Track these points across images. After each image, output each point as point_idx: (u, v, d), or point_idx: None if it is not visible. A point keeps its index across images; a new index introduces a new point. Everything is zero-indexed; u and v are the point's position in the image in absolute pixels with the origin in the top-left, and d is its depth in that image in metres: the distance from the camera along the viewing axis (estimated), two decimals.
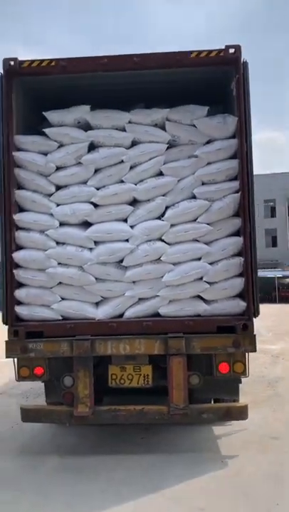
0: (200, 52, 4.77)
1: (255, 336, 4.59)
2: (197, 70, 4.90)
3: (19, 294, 4.84)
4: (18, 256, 4.83)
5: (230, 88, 4.90)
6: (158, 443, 5.04)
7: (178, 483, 3.96)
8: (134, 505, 3.60)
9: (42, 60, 4.86)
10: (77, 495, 3.82)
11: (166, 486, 3.90)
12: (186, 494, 3.76)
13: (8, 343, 4.72)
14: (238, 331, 4.56)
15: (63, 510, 3.56)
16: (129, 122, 4.96)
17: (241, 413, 4.64)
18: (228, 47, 4.71)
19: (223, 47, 4.74)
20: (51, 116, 5.00)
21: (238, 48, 4.70)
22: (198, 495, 3.73)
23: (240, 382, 5.58)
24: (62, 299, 4.86)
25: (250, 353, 4.64)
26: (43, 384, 5.26)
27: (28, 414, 4.79)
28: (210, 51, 4.76)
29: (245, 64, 4.75)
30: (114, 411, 4.67)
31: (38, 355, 4.72)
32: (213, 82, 5.03)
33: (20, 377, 4.83)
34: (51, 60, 4.85)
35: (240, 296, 4.74)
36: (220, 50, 4.73)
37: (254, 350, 4.62)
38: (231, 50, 4.70)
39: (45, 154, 4.96)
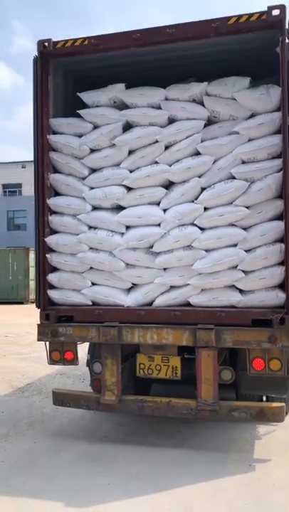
0: (239, 17, 4.32)
1: None
2: (237, 38, 4.44)
3: (52, 278, 4.84)
4: (51, 240, 4.82)
5: (275, 55, 4.38)
6: (191, 438, 4.79)
7: (191, 483, 3.70)
8: (130, 503, 3.41)
9: (75, 40, 4.74)
10: (83, 485, 3.73)
11: (178, 486, 3.67)
12: (194, 498, 3.48)
13: (40, 327, 4.76)
14: (274, 325, 4.13)
15: (61, 498, 3.49)
16: (166, 99, 4.67)
17: (276, 414, 4.22)
18: (270, 8, 4.20)
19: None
20: (86, 96, 4.88)
21: (282, 8, 4.17)
22: (205, 501, 3.44)
23: (288, 380, 5.15)
24: (93, 284, 4.78)
25: None
26: None
27: (58, 398, 4.81)
28: (250, 15, 4.29)
29: None
30: (141, 401, 4.51)
31: (67, 340, 4.70)
32: (256, 50, 4.55)
33: (51, 361, 4.86)
34: (84, 39, 4.71)
35: (281, 286, 4.28)
36: (262, 13, 4.24)
37: None
38: (275, 12, 4.19)
39: (81, 136, 4.86)
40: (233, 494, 3.55)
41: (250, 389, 5.03)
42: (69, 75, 5.16)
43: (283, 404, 4.29)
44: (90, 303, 4.76)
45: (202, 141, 4.57)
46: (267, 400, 5.11)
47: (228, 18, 4.34)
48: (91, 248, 4.75)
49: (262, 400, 5.17)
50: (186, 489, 3.61)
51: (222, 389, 4.85)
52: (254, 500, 3.46)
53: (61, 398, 4.81)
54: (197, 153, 4.58)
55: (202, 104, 4.60)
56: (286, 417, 5.32)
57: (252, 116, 4.50)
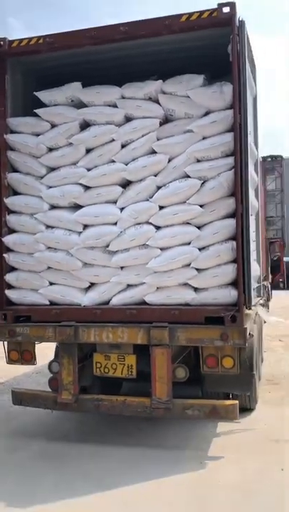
0: (191, 14, 4.32)
1: (245, 328, 4.13)
2: (191, 36, 4.43)
3: (10, 277, 4.84)
4: (8, 240, 4.82)
5: (228, 52, 4.38)
6: (150, 436, 4.80)
7: (138, 482, 3.70)
8: (70, 504, 3.41)
9: (30, 38, 4.73)
10: (30, 485, 3.73)
11: (123, 485, 3.67)
12: (137, 498, 3.48)
13: None
14: (226, 323, 4.14)
15: (3, 499, 3.49)
16: (122, 97, 4.66)
17: (229, 412, 4.23)
18: (221, 5, 4.19)
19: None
20: (43, 95, 4.86)
21: (232, 5, 4.16)
22: (146, 500, 3.45)
23: (253, 377, 5.18)
24: (51, 283, 4.78)
25: None
26: None
27: (17, 398, 4.82)
28: (202, 12, 4.29)
29: (242, 23, 4.20)
30: (97, 400, 4.52)
31: (25, 340, 4.70)
32: (211, 48, 4.53)
33: (10, 361, 4.87)
34: (39, 38, 4.69)
35: (233, 284, 4.29)
36: (212, 10, 4.23)
37: (244, 344, 4.17)
38: (225, 9, 4.18)
39: (38, 135, 4.85)
40: (176, 493, 3.56)
41: (215, 386, 5.06)
42: (29, 74, 5.14)
43: (236, 402, 4.30)
44: (48, 302, 4.76)
45: (158, 140, 4.56)
46: (231, 398, 5.13)
47: (180, 16, 4.34)
48: (48, 247, 4.74)
49: (229, 398, 5.19)
50: (131, 488, 3.62)
51: (187, 387, 4.89)
52: (196, 498, 3.47)
53: (20, 397, 4.81)
54: (153, 152, 4.58)
55: (158, 102, 4.58)
56: (250, 414, 5.38)
57: (207, 114, 4.49)
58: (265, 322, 7.34)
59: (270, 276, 16.83)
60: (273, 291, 22.46)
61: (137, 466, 4.02)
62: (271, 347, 9.84)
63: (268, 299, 16.40)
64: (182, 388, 4.76)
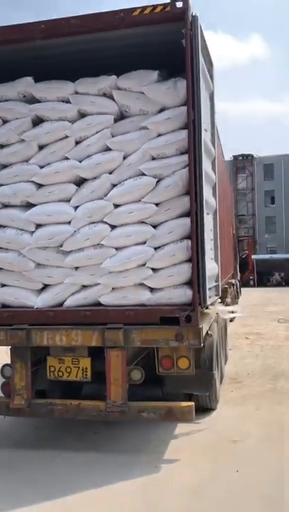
0: (144, 8, 4.21)
1: (200, 328, 4.06)
2: (145, 30, 4.33)
3: None
4: None
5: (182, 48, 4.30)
6: (107, 440, 4.71)
7: (88, 489, 3.60)
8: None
9: None
10: None
11: (73, 493, 3.55)
12: (86, 505, 3.38)
13: None
14: (181, 323, 4.06)
15: None
16: (75, 93, 4.54)
17: (185, 414, 4.16)
18: (174, 0, 4.10)
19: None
20: None
21: (185, 0, 4.08)
22: (96, 508, 3.35)
23: (212, 377, 5.14)
24: (3, 285, 4.62)
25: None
26: None
27: None
28: (155, 6, 4.19)
29: (195, 18, 4.13)
30: (51, 405, 4.39)
31: None
32: (167, 43, 4.44)
33: None
34: None
35: (189, 284, 4.22)
36: (166, 5, 4.14)
37: (199, 344, 4.11)
38: (178, 4, 4.10)
39: None
40: (126, 498, 3.47)
41: (174, 387, 5.00)
42: None
43: (192, 403, 4.23)
44: (0, 305, 4.59)
45: (113, 136, 4.46)
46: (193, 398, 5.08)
47: (133, 10, 4.23)
48: (0, 248, 4.57)
49: (191, 399, 5.13)
50: (79, 496, 3.51)
51: (149, 388, 4.82)
52: (146, 505, 3.39)
53: None
54: (108, 149, 4.47)
55: (113, 98, 4.48)
56: (210, 414, 5.34)
57: (162, 110, 4.41)
58: (231, 320, 7.31)
59: (238, 274, 17.10)
60: (244, 289, 22.90)
61: (89, 473, 3.91)
62: (237, 345, 9.88)
63: (237, 297, 16.62)
64: (144, 390, 4.69)
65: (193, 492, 3.54)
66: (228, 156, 50.35)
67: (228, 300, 10.54)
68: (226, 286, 9.91)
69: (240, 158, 51.11)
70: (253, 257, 30.43)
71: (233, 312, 6.22)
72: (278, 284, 33.77)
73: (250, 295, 22.22)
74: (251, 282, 32.48)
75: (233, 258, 13.45)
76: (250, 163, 50.93)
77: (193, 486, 3.64)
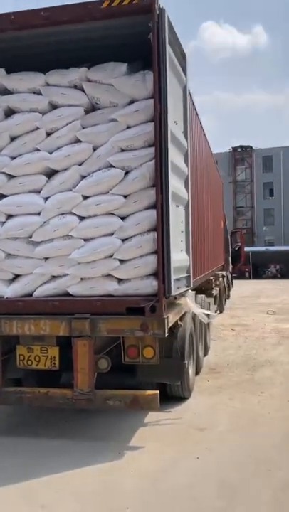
0: (112, 0, 4.22)
1: (164, 319, 4.13)
2: (115, 23, 4.35)
3: None
4: None
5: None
6: (76, 427, 4.79)
7: (49, 474, 3.69)
8: None
9: None
10: None
11: (34, 478, 3.64)
12: (45, 489, 3.47)
13: None
14: (146, 313, 4.13)
15: None
16: (46, 84, 4.57)
17: (149, 402, 4.24)
18: None
19: None
20: None
21: None
22: (53, 491, 3.44)
23: (184, 366, 5.21)
24: None
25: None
26: None
27: None
28: None
29: (162, 11, 4.15)
30: (20, 393, 4.47)
31: None
32: (136, 36, 4.46)
33: None
34: None
35: (155, 275, 4.28)
36: None
37: (163, 334, 4.18)
38: None
39: None
40: (85, 483, 3.56)
41: (145, 376, 5.06)
42: None
43: (156, 392, 4.31)
44: None
45: (83, 128, 4.49)
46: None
47: (101, 2, 4.24)
48: None
49: (164, 388, 5.22)
50: (41, 481, 3.61)
51: (123, 376, 4.90)
52: (103, 487, 3.48)
53: None
54: (78, 141, 4.51)
55: (83, 90, 4.51)
56: (182, 403, 5.43)
57: (131, 103, 4.44)
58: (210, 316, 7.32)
59: (230, 266, 17.14)
60: (238, 281, 22.96)
61: (53, 459, 4.00)
62: (222, 336, 9.97)
63: (229, 288, 16.69)
64: (118, 379, 4.78)
65: (152, 477, 3.63)
66: (226, 148, 50.35)
67: (214, 292, 10.60)
68: (212, 277, 9.97)
69: (239, 149, 50.99)
70: (249, 249, 30.40)
71: (207, 315, 6.26)
72: (274, 277, 33.83)
73: (244, 287, 22.30)
74: (247, 274, 32.55)
75: (222, 250, 13.50)
76: (249, 154, 50.80)
77: (152, 471, 3.73)
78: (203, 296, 8.15)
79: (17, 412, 5.26)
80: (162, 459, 3.98)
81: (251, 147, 51.08)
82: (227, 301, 15.51)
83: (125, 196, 4.36)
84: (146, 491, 3.44)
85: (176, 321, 4.90)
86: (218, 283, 11.97)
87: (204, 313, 5.74)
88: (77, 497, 3.37)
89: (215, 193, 10.75)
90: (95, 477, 3.66)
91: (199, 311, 5.42)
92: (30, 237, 4.50)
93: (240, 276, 28.40)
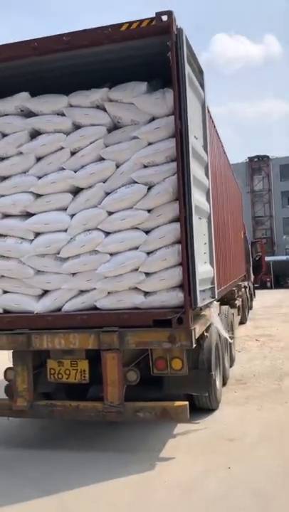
0: (131, 23, 4.38)
1: (191, 330, 4.19)
2: (133, 44, 4.50)
3: None
4: None
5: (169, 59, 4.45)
6: (106, 439, 4.86)
7: (84, 485, 3.76)
8: (17, 506, 3.49)
9: None
10: None
11: (70, 489, 3.72)
12: (81, 500, 3.53)
13: None
14: (173, 325, 4.20)
15: None
16: (69, 106, 4.74)
17: (179, 413, 4.28)
18: (159, 14, 4.27)
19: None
20: None
21: (169, 14, 4.24)
22: (89, 502, 3.51)
23: (211, 378, 5.24)
24: (4, 292, 4.82)
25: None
26: None
27: None
28: (141, 21, 4.35)
29: (180, 31, 4.29)
30: (51, 406, 4.57)
31: None
32: (155, 55, 4.61)
33: None
34: None
35: (180, 287, 4.35)
36: (151, 19, 4.31)
37: (191, 346, 4.23)
38: (164, 18, 4.26)
39: None
40: (119, 494, 3.62)
41: (173, 388, 5.12)
42: None
43: (186, 403, 4.35)
44: (1, 311, 4.80)
45: (106, 147, 4.63)
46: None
47: (121, 25, 4.40)
48: (1, 256, 4.78)
49: (192, 399, 5.25)
50: (76, 492, 3.67)
51: (150, 389, 4.96)
52: (137, 498, 3.53)
53: None
54: (101, 159, 4.64)
55: (105, 109, 4.66)
56: (210, 414, 5.45)
57: (152, 120, 4.57)
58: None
59: (252, 276, 17.09)
60: (260, 291, 22.80)
61: (86, 470, 4.08)
62: (246, 347, 9.92)
63: (251, 299, 16.62)
64: (146, 391, 4.84)
65: (185, 487, 3.67)
66: (242, 158, 50.28)
67: (237, 302, 10.60)
68: (234, 288, 9.97)
69: (256, 159, 50.91)
70: (269, 258, 30.18)
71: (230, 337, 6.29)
72: None
73: (266, 297, 22.13)
74: (268, 284, 32.24)
75: (243, 261, 13.49)
76: (265, 164, 50.65)
77: (185, 481, 3.77)
78: (227, 307, 8.17)
79: (49, 425, 5.35)
80: (194, 469, 4.01)
81: (268, 156, 50.94)
82: (250, 311, 15.44)
83: (149, 210, 4.47)
84: (180, 501, 3.48)
85: (203, 333, 4.95)
86: (240, 293, 11.97)
87: (224, 334, 5.74)
88: (112, 508, 3.43)
89: (234, 204, 10.80)
90: (129, 488, 3.71)
91: (220, 327, 5.44)
92: (58, 253, 4.63)
93: (262, 286, 28.18)
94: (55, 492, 3.71)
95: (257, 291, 19.65)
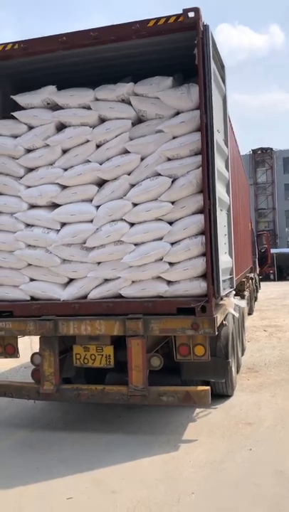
0: (158, 19, 4.50)
1: (214, 318, 4.36)
2: (160, 39, 4.62)
3: None
4: None
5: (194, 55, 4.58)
6: (129, 423, 5.04)
7: (113, 464, 3.95)
8: (51, 483, 3.67)
9: (5, 44, 4.89)
10: (13, 469, 3.97)
11: (100, 467, 3.92)
12: (111, 477, 3.74)
13: None
14: (196, 313, 4.37)
15: None
16: (95, 99, 4.86)
17: (201, 398, 4.46)
18: (186, 10, 4.38)
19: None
20: (20, 99, 5.05)
21: (196, 10, 4.35)
22: (120, 478, 3.70)
23: (228, 365, 5.41)
24: (32, 280, 4.98)
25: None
26: None
27: (1, 390, 5.01)
28: (168, 17, 4.47)
29: (206, 27, 4.40)
30: (77, 390, 4.74)
31: (7, 334, 4.91)
32: (180, 50, 4.73)
33: None
34: (14, 43, 4.86)
35: (203, 276, 4.51)
36: (178, 15, 4.42)
37: (214, 333, 4.40)
38: (190, 14, 4.37)
39: (16, 137, 5.03)
40: (148, 472, 3.81)
41: (191, 374, 5.30)
42: (6, 77, 5.31)
43: (208, 388, 4.53)
44: (29, 298, 4.97)
45: (131, 140, 4.76)
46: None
47: (148, 21, 4.52)
48: (28, 245, 4.94)
49: (208, 385, 5.43)
50: (107, 470, 3.86)
51: (168, 375, 5.15)
52: (166, 476, 3.72)
53: (4, 390, 5.02)
54: (126, 152, 4.78)
55: (130, 103, 4.78)
56: (227, 400, 5.63)
57: (176, 114, 4.70)
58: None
59: (258, 268, 17.26)
60: (264, 283, 22.98)
61: (113, 451, 4.27)
62: (255, 337, 10.11)
63: (256, 290, 16.80)
64: (164, 377, 5.02)
65: (211, 466, 3.86)
66: (246, 150, 50.21)
67: (246, 293, 10.77)
68: (244, 279, 10.15)
69: (259, 151, 50.81)
70: (273, 251, 30.36)
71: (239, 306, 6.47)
72: None
73: (269, 289, 22.32)
74: (272, 276, 32.47)
75: (250, 252, 13.64)
76: (269, 156, 50.59)
77: (210, 461, 3.95)
78: (238, 298, 8.34)
79: (71, 409, 5.54)
80: (217, 450, 4.20)
81: (271, 149, 50.84)
82: (255, 303, 15.62)
83: (173, 202, 4.61)
84: (207, 479, 3.67)
85: (222, 321, 5.12)
86: (248, 285, 12.15)
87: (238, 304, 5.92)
88: (144, 484, 3.61)
89: (244, 197, 10.93)
90: (157, 467, 3.90)
91: (238, 302, 5.61)
92: (84, 243, 4.79)
93: (266, 278, 28.38)
94: (86, 470, 3.90)
95: (261, 284, 19.82)
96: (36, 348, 4.90)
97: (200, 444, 4.36)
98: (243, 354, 7.90)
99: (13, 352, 5.02)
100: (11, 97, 5.03)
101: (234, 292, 5.65)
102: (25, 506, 3.44)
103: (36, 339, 4.96)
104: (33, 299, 4.97)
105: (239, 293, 9.35)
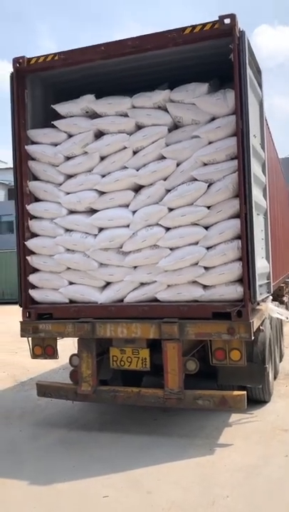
0: (194, 27, 4.57)
1: (250, 323, 4.36)
2: (196, 46, 4.68)
3: (32, 278, 5.21)
4: (31, 243, 5.19)
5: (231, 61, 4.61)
6: (164, 425, 5.08)
7: (148, 466, 4.00)
8: (87, 482, 3.76)
9: (46, 56, 5.08)
10: (49, 467, 4.10)
11: (135, 468, 3.98)
12: (147, 478, 3.79)
13: (22, 324, 5.14)
14: (232, 318, 4.38)
15: (25, 479, 3.86)
16: (132, 107, 4.96)
17: (237, 402, 4.46)
18: (222, 17, 4.43)
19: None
20: (60, 108, 5.22)
21: (232, 17, 4.39)
22: (156, 479, 3.75)
23: (265, 370, 5.37)
24: (70, 283, 5.12)
25: None
26: None
27: (41, 390, 5.19)
28: (204, 25, 4.54)
29: (242, 33, 4.43)
30: (114, 391, 4.84)
31: (47, 336, 5.07)
32: (216, 56, 4.77)
33: (34, 355, 5.24)
34: (54, 55, 5.05)
35: (239, 281, 4.52)
36: (214, 22, 4.48)
37: (250, 338, 4.40)
38: (226, 21, 4.42)
39: (56, 145, 5.20)
40: (183, 474, 3.84)
41: (227, 379, 5.29)
42: (48, 87, 5.51)
43: (244, 392, 4.52)
44: (67, 301, 5.11)
45: (167, 146, 4.84)
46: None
47: (184, 29, 4.60)
48: (67, 249, 5.09)
49: (245, 390, 5.40)
50: (142, 471, 3.92)
51: (204, 380, 5.17)
52: (201, 479, 3.74)
53: (44, 390, 5.18)
54: (162, 158, 4.86)
55: (166, 110, 4.86)
56: (263, 406, 5.58)
57: (212, 120, 4.74)
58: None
59: None
60: None
61: (148, 452, 4.32)
62: None
63: None
64: (200, 382, 5.04)
65: (246, 471, 3.85)
66: (284, 154, 49.29)
67: (285, 299, 10.59)
68: (283, 284, 9.99)
69: None
70: None
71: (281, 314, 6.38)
72: None
73: None
74: None
75: None
76: None
77: (245, 466, 3.95)
78: (277, 303, 8.21)
79: (108, 411, 5.64)
80: (253, 455, 4.18)
81: None
82: None
83: (209, 207, 4.64)
84: (242, 483, 3.66)
85: (258, 326, 5.09)
86: (287, 290, 11.92)
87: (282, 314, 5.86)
88: (179, 485, 3.65)
89: (283, 201, 10.77)
90: (192, 469, 3.93)
91: (280, 311, 5.56)
92: (121, 247, 4.89)
93: None
94: (121, 470, 3.97)
95: None
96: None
97: (235, 448, 4.35)
98: (281, 360, 7.78)
99: (52, 353, 5.17)
100: (52, 106, 5.20)
101: (271, 297, 5.60)
102: (62, 503, 3.55)
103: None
104: (71, 301, 5.11)
105: (278, 298, 9.20)
